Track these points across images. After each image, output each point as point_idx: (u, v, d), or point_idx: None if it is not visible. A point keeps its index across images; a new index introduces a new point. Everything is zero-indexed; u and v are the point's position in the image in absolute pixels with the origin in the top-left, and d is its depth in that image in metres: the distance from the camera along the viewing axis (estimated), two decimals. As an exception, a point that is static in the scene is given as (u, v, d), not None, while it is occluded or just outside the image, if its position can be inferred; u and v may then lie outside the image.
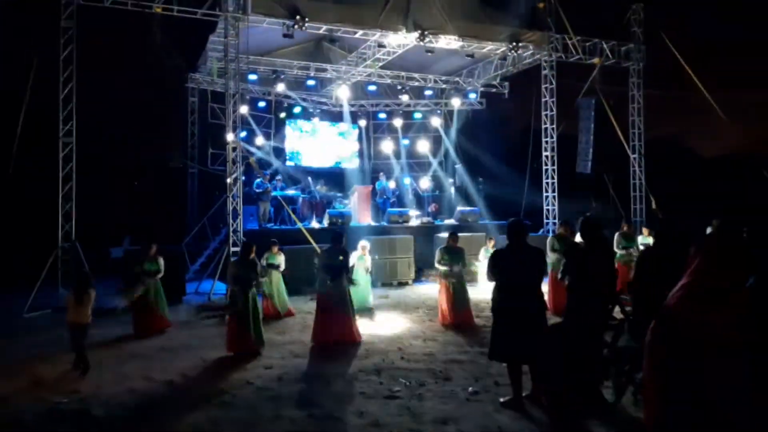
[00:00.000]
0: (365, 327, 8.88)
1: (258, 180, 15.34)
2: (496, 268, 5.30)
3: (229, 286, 7.78)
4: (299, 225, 13.55)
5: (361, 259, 10.49)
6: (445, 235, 10.45)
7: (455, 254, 9.19)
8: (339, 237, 8.28)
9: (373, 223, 15.81)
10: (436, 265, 9.35)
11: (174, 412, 5.43)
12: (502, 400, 5.42)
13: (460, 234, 10.19)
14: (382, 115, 20.90)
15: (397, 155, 20.65)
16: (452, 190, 19.40)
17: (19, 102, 11.81)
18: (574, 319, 5.07)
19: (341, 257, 8.19)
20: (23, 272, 11.95)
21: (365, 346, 7.83)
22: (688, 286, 3.22)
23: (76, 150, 12.16)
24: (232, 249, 12.34)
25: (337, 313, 7.98)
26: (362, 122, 20.64)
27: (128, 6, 11.94)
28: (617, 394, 5.09)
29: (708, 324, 3.12)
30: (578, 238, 9.86)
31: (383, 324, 9.36)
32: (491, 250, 11.99)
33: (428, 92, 19.93)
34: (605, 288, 5.07)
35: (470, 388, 5.88)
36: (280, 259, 10.20)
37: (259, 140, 18.31)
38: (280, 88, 17.56)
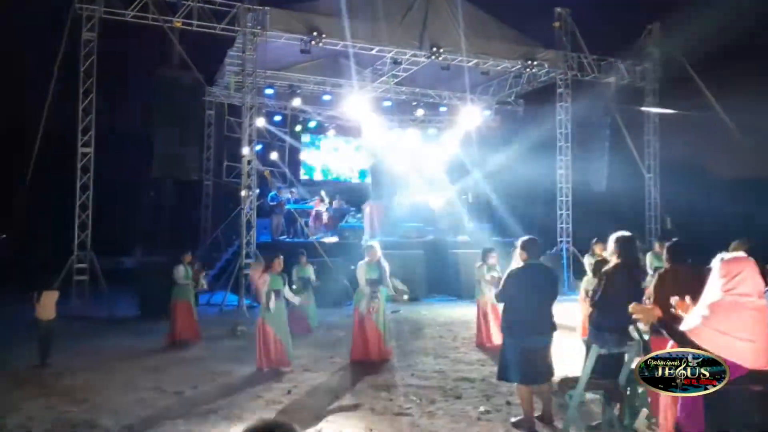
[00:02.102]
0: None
1: (272, 193, 15.43)
2: (509, 288, 5.24)
3: (260, 300, 7.55)
4: (311, 238, 13.58)
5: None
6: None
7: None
8: (373, 249, 7.96)
9: (385, 238, 15.78)
10: (484, 283, 8.71)
11: (183, 424, 5.41)
12: (513, 419, 5.35)
13: (470, 251, 10.06)
14: (397, 131, 20.95)
15: (411, 170, 20.64)
16: (465, 206, 19.33)
17: (40, 113, 12.01)
18: (597, 336, 4.99)
19: (378, 270, 7.88)
20: (38, 280, 12.06)
21: (375, 362, 7.77)
22: (714, 301, 3.17)
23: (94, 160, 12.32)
24: (245, 261, 12.38)
25: (372, 330, 7.76)
26: (376, 137, 20.67)
27: (149, 20, 12.14)
28: (631, 417, 5.01)
29: (727, 349, 3.07)
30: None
31: (394, 339, 9.29)
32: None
33: (442, 108, 19.99)
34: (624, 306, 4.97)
35: (481, 407, 5.81)
36: (310, 271, 10.15)
37: (274, 154, 18.45)
38: (296, 102, 17.74)
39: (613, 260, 5.18)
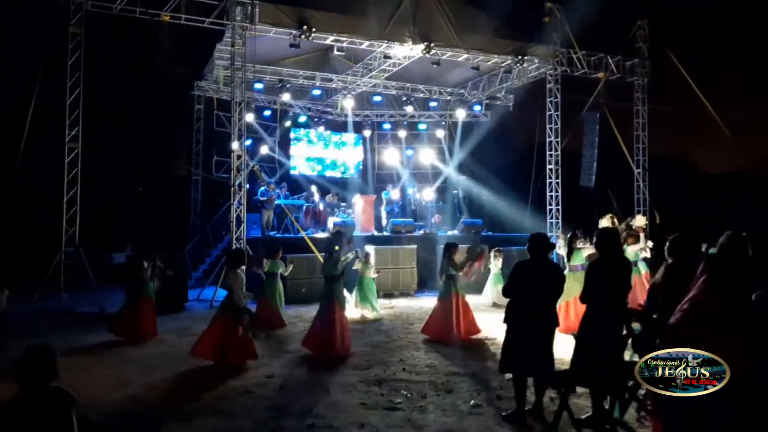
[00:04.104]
0: (367, 337, 8.85)
1: (262, 188, 15.37)
2: (515, 282, 5.29)
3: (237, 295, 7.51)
4: (302, 233, 13.55)
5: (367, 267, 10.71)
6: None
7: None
8: (335, 240, 8.17)
9: (376, 233, 15.80)
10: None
11: (174, 419, 5.40)
12: (504, 413, 5.39)
13: (462, 246, 10.10)
14: (387, 126, 20.96)
15: (401, 166, 20.69)
16: (455, 201, 19.40)
17: (26, 106, 11.88)
18: (590, 333, 5.01)
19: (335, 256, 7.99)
20: (26, 276, 11.97)
21: (366, 356, 7.79)
22: (692, 306, 3.15)
23: (81, 155, 12.19)
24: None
25: (334, 323, 7.79)
26: (367, 132, 20.70)
27: (137, 13, 12.02)
28: (621, 411, 5.05)
29: (713, 346, 3.07)
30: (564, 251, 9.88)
31: (385, 334, 9.33)
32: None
33: (433, 104, 20.00)
34: (621, 302, 5.00)
35: (472, 401, 5.84)
36: (281, 267, 10.18)
37: (264, 149, 18.38)
38: (286, 97, 17.65)
39: (598, 255, 5.22)
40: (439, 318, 8.83)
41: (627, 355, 5.12)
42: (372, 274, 10.99)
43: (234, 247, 12.32)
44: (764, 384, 3.34)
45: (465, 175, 19.73)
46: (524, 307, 5.23)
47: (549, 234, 16.08)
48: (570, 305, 8.90)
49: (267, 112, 19.00)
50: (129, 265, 9.28)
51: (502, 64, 15.75)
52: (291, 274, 11.02)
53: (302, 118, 19.73)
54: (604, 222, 9.47)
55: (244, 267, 7.80)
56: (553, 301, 5.39)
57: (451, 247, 8.91)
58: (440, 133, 20.66)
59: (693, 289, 3.20)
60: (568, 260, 9.32)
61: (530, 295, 5.22)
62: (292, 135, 19.66)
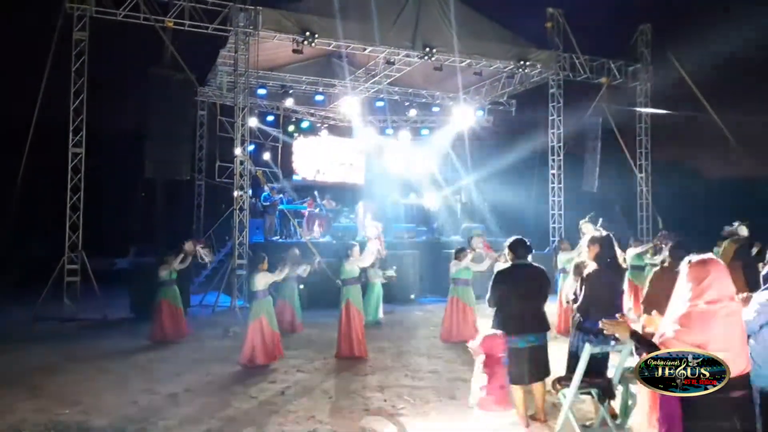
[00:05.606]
0: (370, 343, 8.84)
1: (265, 193, 15.39)
2: (498, 291, 5.21)
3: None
4: (304, 239, 13.54)
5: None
6: (450, 251, 10.40)
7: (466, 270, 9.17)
8: (352, 248, 8.35)
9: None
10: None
11: (176, 425, 5.40)
12: (507, 419, 5.35)
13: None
14: (389, 131, 20.96)
15: (404, 171, 20.67)
16: (458, 206, 19.36)
17: (31, 112, 11.92)
18: (582, 338, 5.01)
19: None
20: (29, 282, 11.99)
21: (369, 362, 7.78)
22: (684, 312, 3.10)
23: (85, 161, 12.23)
24: (238, 262, 12.34)
25: (343, 324, 8.00)
26: (369, 137, 20.69)
27: (140, 19, 12.09)
28: (624, 416, 5.03)
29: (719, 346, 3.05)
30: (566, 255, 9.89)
31: (388, 340, 9.31)
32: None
33: (435, 108, 20.00)
34: (614, 307, 4.99)
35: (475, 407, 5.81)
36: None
37: (267, 154, 18.41)
38: (289, 102, 17.70)
39: (591, 261, 5.17)
40: (444, 321, 9.22)
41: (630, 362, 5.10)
42: (380, 279, 10.90)
43: (237, 252, 12.35)
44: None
45: (467, 179, 19.72)
46: (514, 315, 5.09)
47: (552, 239, 16.08)
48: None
49: (270, 118, 19.03)
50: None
51: (505, 69, 15.77)
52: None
53: (305, 124, 19.76)
54: (587, 228, 9.55)
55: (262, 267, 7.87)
56: (542, 303, 5.24)
57: (459, 252, 9.22)
58: (443, 138, 20.65)
59: (678, 300, 3.14)
60: (555, 266, 9.68)
61: (518, 302, 5.09)
62: (294, 140, 19.69)
